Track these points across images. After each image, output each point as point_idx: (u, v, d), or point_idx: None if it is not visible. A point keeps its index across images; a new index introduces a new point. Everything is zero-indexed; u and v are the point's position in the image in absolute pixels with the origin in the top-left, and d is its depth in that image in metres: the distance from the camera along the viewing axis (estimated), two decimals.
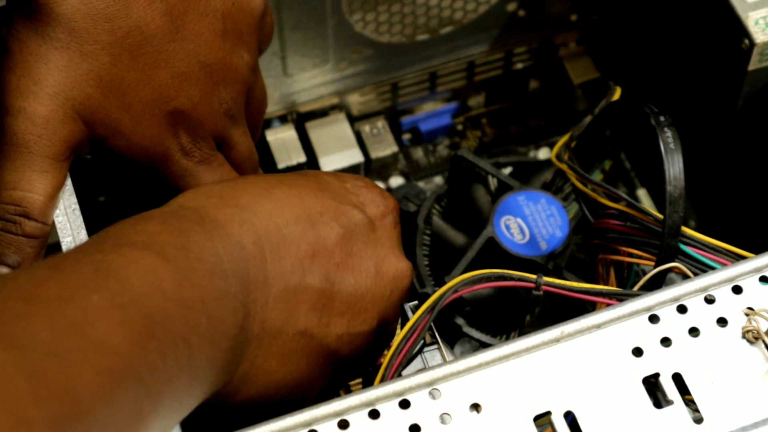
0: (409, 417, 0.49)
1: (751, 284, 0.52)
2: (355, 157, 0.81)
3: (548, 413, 0.49)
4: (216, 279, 0.48)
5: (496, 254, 0.70)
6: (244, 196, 0.53)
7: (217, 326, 0.47)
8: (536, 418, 0.49)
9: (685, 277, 0.56)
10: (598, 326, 0.51)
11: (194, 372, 0.46)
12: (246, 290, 0.50)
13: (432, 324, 0.54)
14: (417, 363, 0.54)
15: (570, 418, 0.49)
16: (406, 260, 0.59)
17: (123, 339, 0.42)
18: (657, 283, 0.56)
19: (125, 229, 0.48)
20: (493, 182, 0.74)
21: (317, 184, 0.57)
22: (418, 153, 0.85)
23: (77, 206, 0.57)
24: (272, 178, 0.56)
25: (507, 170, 0.79)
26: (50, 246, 0.55)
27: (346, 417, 0.49)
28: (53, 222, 0.55)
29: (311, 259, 0.53)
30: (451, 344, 0.70)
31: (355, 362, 0.56)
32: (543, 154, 0.85)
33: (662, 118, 0.57)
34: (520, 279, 0.55)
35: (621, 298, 0.54)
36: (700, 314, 0.51)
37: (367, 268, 0.56)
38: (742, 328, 0.51)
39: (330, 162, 0.80)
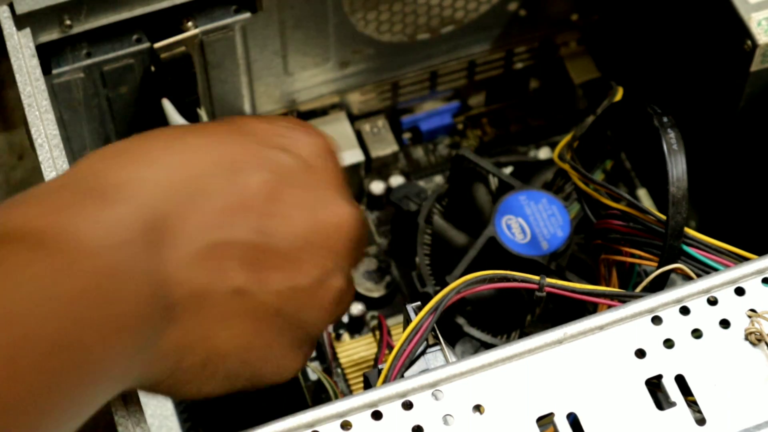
0: (412, 418, 0.49)
1: (753, 286, 0.52)
2: (356, 156, 0.81)
3: (551, 414, 0.49)
4: (109, 254, 0.43)
5: (497, 254, 0.70)
6: (152, 151, 0.48)
7: (116, 308, 0.43)
8: (539, 420, 0.49)
9: (688, 278, 0.56)
10: (601, 328, 0.51)
11: (96, 368, 0.42)
12: (155, 255, 0.45)
13: (435, 325, 0.54)
14: (420, 364, 0.53)
15: (572, 419, 0.49)
16: (349, 204, 0.52)
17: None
18: (659, 284, 0.56)
19: (5, 212, 0.43)
20: (494, 182, 0.74)
21: (238, 129, 0.52)
22: (419, 152, 0.85)
23: None
24: (187, 127, 0.52)
25: (508, 170, 0.79)
26: None
27: (348, 418, 0.49)
28: None
29: (236, 210, 0.48)
30: (451, 344, 0.70)
31: (308, 322, 0.51)
32: (543, 153, 0.85)
33: (665, 119, 0.57)
34: (523, 280, 0.55)
35: (623, 300, 0.54)
36: (703, 316, 0.51)
37: (301, 215, 0.50)
38: (745, 330, 0.51)
39: None
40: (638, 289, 0.57)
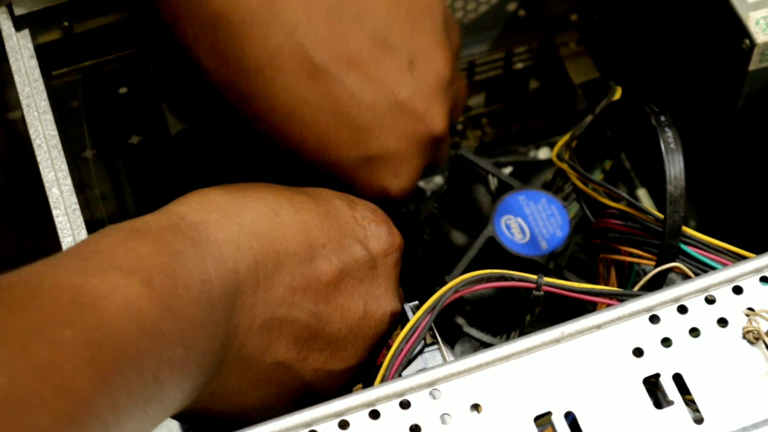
0: (410, 417, 0.49)
1: (751, 284, 0.52)
2: None
3: (549, 413, 0.49)
4: (200, 306, 0.46)
5: (496, 254, 0.70)
6: (248, 214, 0.52)
7: (192, 356, 0.46)
8: (536, 419, 0.49)
9: (686, 277, 0.56)
10: (599, 326, 0.51)
11: (161, 403, 0.44)
12: (230, 315, 0.49)
13: (432, 324, 0.54)
14: (417, 363, 0.54)
15: (570, 418, 0.49)
16: (397, 302, 0.58)
17: (88, 381, 0.40)
18: (657, 283, 0.56)
19: (114, 247, 0.46)
20: (493, 182, 0.74)
21: (326, 212, 0.56)
22: None
23: (77, 206, 0.57)
24: (281, 197, 0.55)
25: (507, 170, 0.79)
26: (50, 248, 0.55)
27: (346, 417, 0.49)
28: (55, 221, 0.55)
29: (303, 292, 0.52)
30: (451, 343, 0.70)
31: (325, 395, 0.55)
32: (543, 153, 0.85)
33: (663, 118, 0.57)
34: (521, 279, 0.55)
35: (621, 299, 0.54)
36: (701, 314, 0.51)
37: (356, 308, 0.55)
38: (743, 329, 0.51)
39: None
40: (636, 288, 0.57)
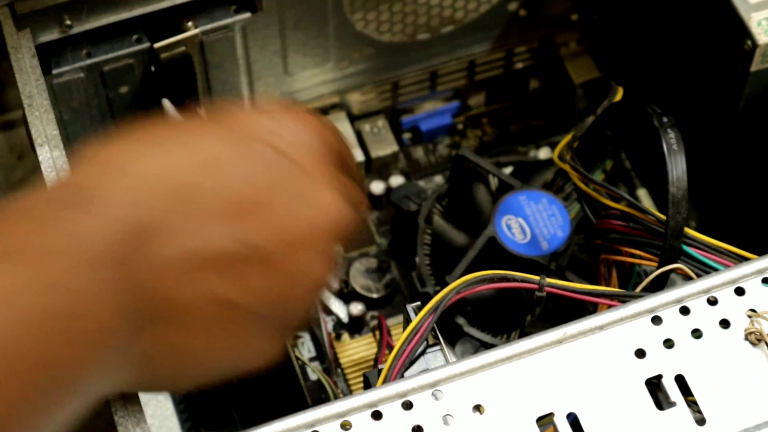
0: (412, 418, 0.49)
1: (753, 286, 0.52)
2: (356, 156, 0.81)
3: (551, 414, 0.49)
4: (84, 268, 0.43)
5: (497, 254, 0.70)
6: (133, 157, 0.47)
7: (87, 324, 0.42)
8: (539, 420, 0.49)
9: (688, 278, 0.56)
10: (601, 328, 0.51)
11: (71, 382, 0.42)
12: (128, 267, 0.44)
13: (435, 325, 0.54)
14: (420, 364, 0.54)
15: (572, 419, 0.49)
16: (334, 199, 0.50)
17: None
18: (659, 284, 0.56)
19: None
20: (494, 182, 0.74)
21: (222, 123, 0.51)
22: (419, 152, 0.85)
23: None
24: (169, 129, 0.50)
25: (508, 170, 0.79)
26: None
27: (348, 418, 0.49)
28: None
29: (212, 218, 0.47)
30: (451, 344, 0.70)
31: (286, 314, 0.50)
32: (543, 153, 0.85)
33: (665, 119, 0.57)
34: (523, 280, 0.55)
35: (623, 300, 0.54)
36: (703, 316, 0.51)
37: (281, 216, 0.49)
38: (745, 330, 0.51)
39: None
40: (638, 289, 0.57)
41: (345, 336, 0.77)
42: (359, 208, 0.54)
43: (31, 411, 0.40)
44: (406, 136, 0.85)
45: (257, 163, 0.49)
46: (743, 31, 0.63)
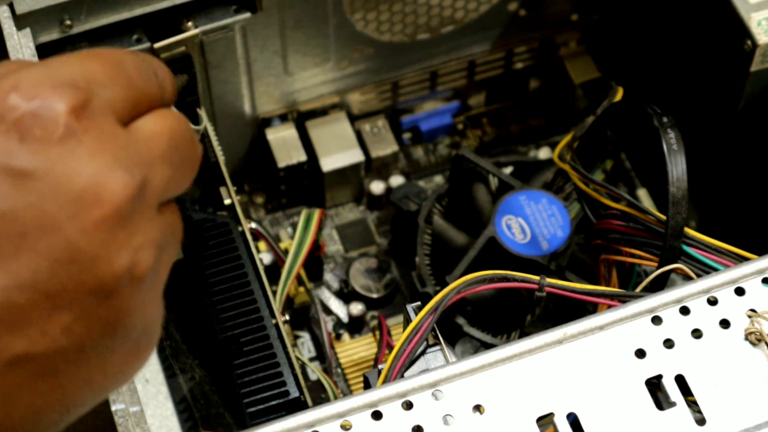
0: (412, 418, 0.49)
1: (753, 286, 0.52)
2: (356, 156, 0.81)
3: (551, 414, 0.49)
4: None
5: (497, 254, 0.70)
6: None
7: None
8: (539, 420, 0.49)
9: (688, 278, 0.56)
10: (601, 328, 0.51)
11: None
12: None
13: (435, 325, 0.54)
14: (420, 364, 0.54)
15: (572, 419, 0.49)
16: (104, 169, 0.37)
17: None
18: (659, 284, 0.56)
19: None
20: (494, 182, 0.74)
21: None
22: (419, 152, 0.85)
23: None
24: None
25: (508, 170, 0.79)
26: None
27: (348, 418, 0.49)
28: None
29: None
30: (451, 343, 0.70)
31: (130, 334, 0.39)
32: (543, 153, 0.85)
33: (665, 119, 0.57)
34: (523, 280, 0.55)
35: (623, 300, 0.54)
36: (703, 316, 0.51)
37: (42, 230, 0.36)
38: (745, 330, 0.51)
39: (330, 161, 0.80)
40: (638, 289, 0.57)
41: (345, 336, 0.77)
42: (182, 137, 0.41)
43: None
44: (406, 136, 0.85)
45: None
46: (743, 31, 0.63)
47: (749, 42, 0.63)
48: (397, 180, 0.83)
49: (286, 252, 0.74)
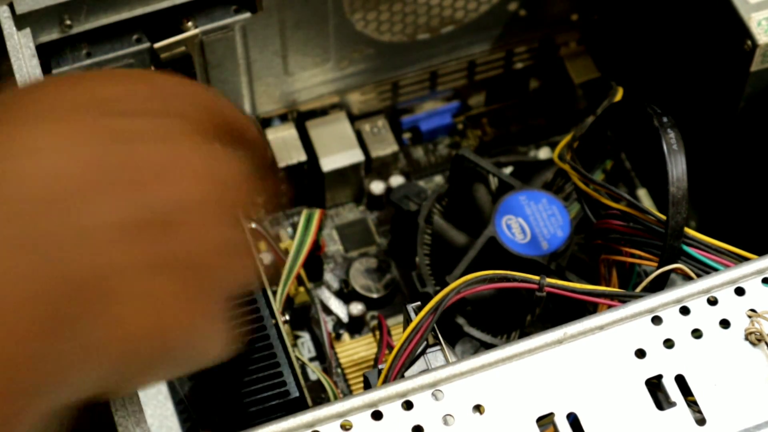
0: (412, 418, 0.49)
1: (753, 286, 0.52)
2: (356, 156, 0.81)
3: (551, 414, 0.49)
4: None
5: (497, 254, 0.70)
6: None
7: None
8: (539, 420, 0.49)
9: (688, 278, 0.56)
10: (601, 328, 0.51)
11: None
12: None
13: (435, 325, 0.54)
14: (420, 364, 0.54)
15: (572, 419, 0.49)
16: (204, 169, 0.44)
17: None
18: (659, 284, 0.56)
19: None
20: (494, 182, 0.74)
21: (44, 103, 0.43)
22: (419, 152, 0.85)
23: None
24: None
25: (508, 170, 0.79)
26: None
27: (348, 418, 0.49)
28: None
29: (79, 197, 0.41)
30: (451, 343, 0.70)
31: (212, 283, 0.45)
32: (543, 153, 0.85)
33: (665, 119, 0.57)
34: (523, 280, 0.55)
35: (623, 300, 0.54)
36: (703, 316, 0.51)
37: (150, 190, 0.42)
38: (745, 330, 0.51)
39: (330, 161, 0.80)
40: (638, 289, 0.57)
41: (345, 336, 0.77)
42: (262, 176, 0.48)
43: None
44: (406, 136, 0.85)
45: (91, 143, 0.42)
46: (743, 31, 0.63)
47: (749, 42, 0.63)
48: (397, 180, 0.83)
49: (286, 252, 0.74)
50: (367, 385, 0.57)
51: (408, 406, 0.49)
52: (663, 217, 0.57)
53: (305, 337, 0.76)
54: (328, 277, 0.80)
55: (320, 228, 0.76)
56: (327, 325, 0.76)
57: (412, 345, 0.53)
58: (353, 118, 0.83)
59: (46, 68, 0.65)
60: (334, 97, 0.81)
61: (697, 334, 0.51)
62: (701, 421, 0.49)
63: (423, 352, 0.54)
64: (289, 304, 0.75)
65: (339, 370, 0.75)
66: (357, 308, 0.77)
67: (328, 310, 0.78)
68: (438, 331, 0.54)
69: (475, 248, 0.70)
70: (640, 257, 0.59)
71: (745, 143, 0.69)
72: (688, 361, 0.50)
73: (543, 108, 0.86)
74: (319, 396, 0.70)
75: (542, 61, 0.85)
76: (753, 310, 0.51)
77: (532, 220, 0.71)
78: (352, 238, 0.82)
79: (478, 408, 0.49)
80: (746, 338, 0.51)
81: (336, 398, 0.64)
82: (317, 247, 0.75)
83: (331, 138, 0.81)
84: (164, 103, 0.45)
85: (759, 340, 0.50)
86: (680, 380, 0.50)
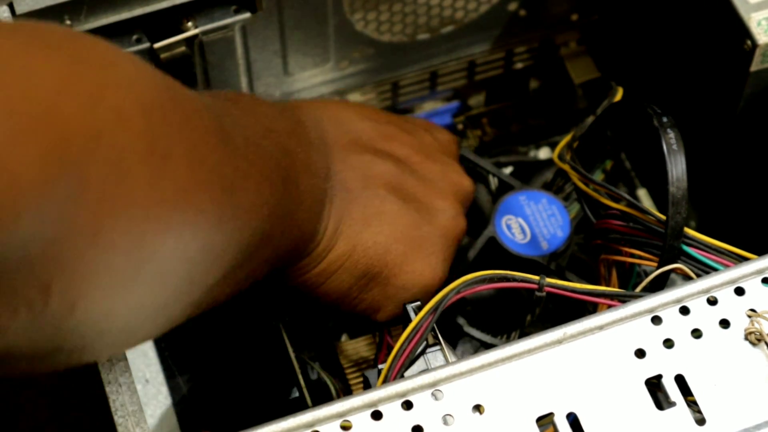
0: (412, 418, 0.49)
1: (753, 286, 0.52)
2: None
3: (551, 414, 0.49)
4: (307, 134, 0.61)
5: (497, 254, 0.70)
6: (334, 111, 0.68)
7: (312, 166, 0.58)
8: (539, 420, 0.49)
9: (688, 278, 0.56)
10: (601, 328, 0.51)
11: (291, 203, 0.55)
12: (326, 149, 0.62)
13: (435, 325, 0.54)
14: (420, 364, 0.54)
15: (572, 419, 0.49)
16: (457, 175, 0.68)
17: (294, 144, 0.59)
18: (659, 284, 0.56)
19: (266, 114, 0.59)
20: (493, 182, 0.74)
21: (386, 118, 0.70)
22: None
23: None
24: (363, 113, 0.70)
25: (508, 170, 0.79)
26: None
27: (348, 418, 0.49)
28: None
29: (386, 142, 0.66)
30: (452, 344, 0.70)
31: (443, 216, 0.65)
32: (543, 153, 0.85)
33: (665, 119, 0.57)
34: (523, 280, 0.55)
35: (623, 300, 0.54)
36: (703, 316, 0.51)
37: (432, 170, 0.66)
38: (745, 330, 0.51)
39: None
40: (638, 289, 0.57)
41: (345, 336, 0.77)
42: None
43: (266, 201, 0.51)
44: None
45: (420, 140, 0.69)
46: (743, 31, 0.63)
47: (749, 42, 0.63)
48: None
49: None
50: (367, 385, 0.57)
51: (408, 406, 0.49)
52: (663, 217, 0.57)
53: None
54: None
55: None
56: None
57: (412, 345, 0.53)
58: None
59: None
60: (334, 97, 0.81)
61: (696, 334, 0.51)
62: (701, 421, 0.49)
63: (423, 352, 0.54)
64: None
65: (339, 370, 0.75)
66: None
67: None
68: (438, 331, 0.54)
69: (475, 248, 0.70)
70: (640, 257, 0.59)
71: (745, 143, 0.69)
72: (687, 361, 0.50)
73: (543, 108, 0.86)
74: (320, 396, 0.70)
75: (542, 61, 0.85)
76: (753, 310, 0.51)
77: (532, 220, 0.71)
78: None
79: (477, 408, 0.49)
80: (746, 338, 0.51)
81: (337, 396, 0.64)
82: None
83: None
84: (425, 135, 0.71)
85: (759, 340, 0.51)
86: (680, 380, 0.50)
